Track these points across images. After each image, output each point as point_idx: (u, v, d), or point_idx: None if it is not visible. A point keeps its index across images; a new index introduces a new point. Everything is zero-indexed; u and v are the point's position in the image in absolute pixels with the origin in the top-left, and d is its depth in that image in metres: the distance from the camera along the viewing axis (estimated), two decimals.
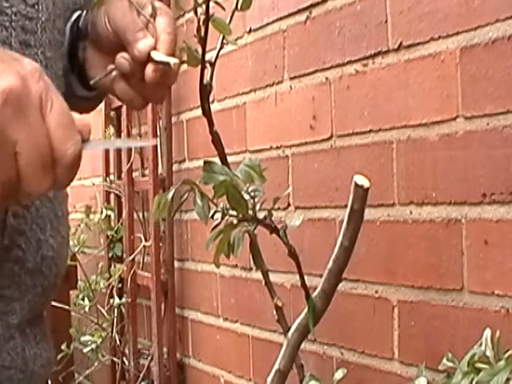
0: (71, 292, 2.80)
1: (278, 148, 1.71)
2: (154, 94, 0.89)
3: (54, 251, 0.87)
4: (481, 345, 0.98)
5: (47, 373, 0.90)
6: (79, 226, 2.75)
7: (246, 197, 1.19)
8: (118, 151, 2.60)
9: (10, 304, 0.82)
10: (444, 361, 1.03)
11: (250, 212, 1.19)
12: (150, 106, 2.24)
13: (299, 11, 1.62)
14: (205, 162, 1.15)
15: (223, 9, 1.23)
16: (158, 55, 0.84)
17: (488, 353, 0.96)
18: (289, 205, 1.67)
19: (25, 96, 0.64)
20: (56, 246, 0.87)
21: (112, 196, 2.74)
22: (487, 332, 0.98)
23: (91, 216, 2.77)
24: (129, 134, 2.47)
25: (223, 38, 1.27)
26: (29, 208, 0.83)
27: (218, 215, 1.18)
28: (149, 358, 2.38)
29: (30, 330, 0.86)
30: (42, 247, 0.85)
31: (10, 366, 0.82)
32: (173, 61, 0.84)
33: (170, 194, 1.14)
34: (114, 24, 0.88)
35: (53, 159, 0.66)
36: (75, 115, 0.68)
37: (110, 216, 2.70)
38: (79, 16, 0.95)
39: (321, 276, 1.21)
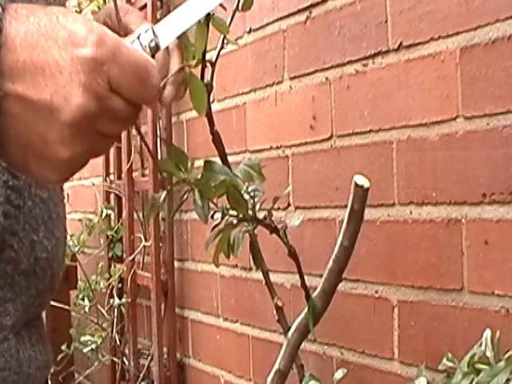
0: (71, 292, 2.80)
1: (278, 148, 1.71)
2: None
3: (48, 253, 0.86)
4: (481, 345, 0.98)
5: (44, 376, 0.89)
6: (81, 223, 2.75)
7: (246, 197, 1.19)
8: (118, 152, 2.60)
9: (2, 305, 0.81)
10: (444, 361, 1.03)
11: (250, 212, 1.19)
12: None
13: (299, 11, 1.62)
14: (205, 162, 1.15)
15: (224, 9, 1.23)
16: None
17: (488, 353, 0.96)
18: (289, 205, 1.67)
19: (93, 103, 0.63)
20: (50, 247, 0.86)
21: (112, 196, 2.74)
22: (487, 332, 0.99)
23: (91, 216, 2.77)
24: (129, 134, 2.47)
25: (224, 37, 1.27)
26: (21, 208, 0.82)
27: (218, 215, 1.18)
28: (149, 358, 2.38)
29: (25, 333, 0.86)
30: (36, 248, 0.84)
31: (4, 367, 0.81)
32: None
33: (163, 196, 1.14)
34: None
35: (136, 107, 0.66)
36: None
37: (110, 216, 2.70)
38: None
39: (321, 276, 1.21)
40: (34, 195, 0.84)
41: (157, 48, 0.68)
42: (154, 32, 0.68)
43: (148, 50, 0.68)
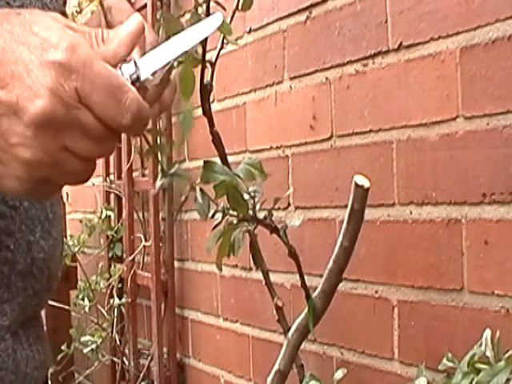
0: (71, 292, 2.80)
1: (278, 148, 1.71)
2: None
3: (45, 253, 0.86)
4: (481, 345, 0.98)
5: (42, 375, 0.89)
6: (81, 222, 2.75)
7: (246, 197, 1.18)
8: (118, 151, 2.60)
9: None
10: (444, 361, 1.03)
11: (250, 212, 1.19)
12: None
13: (299, 11, 1.62)
14: (205, 162, 1.15)
15: (224, 9, 1.23)
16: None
17: (488, 353, 0.96)
18: (289, 205, 1.67)
19: (59, 108, 0.62)
20: (47, 247, 0.86)
21: (112, 196, 2.74)
22: (487, 332, 0.98)
23: (91, 216, 2.77)
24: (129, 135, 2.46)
25: (224, 37, 1.27)
26: (17, 209, 0.82)
27: (219, 215, 1.18)
28: (149, 358, 2.38)
29: (22, 332, 0.85)
30: (33, 249, 0.84)
31: (1, 367, 0.81)
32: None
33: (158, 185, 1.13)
34: None
35: (110, 130, 0.64)
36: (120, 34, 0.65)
37: (110, 216, 2.70)
38: None
39: (321, 276, 1.21)
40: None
41: (137, 79, 0.67)
42: (136, 64, 0.67)
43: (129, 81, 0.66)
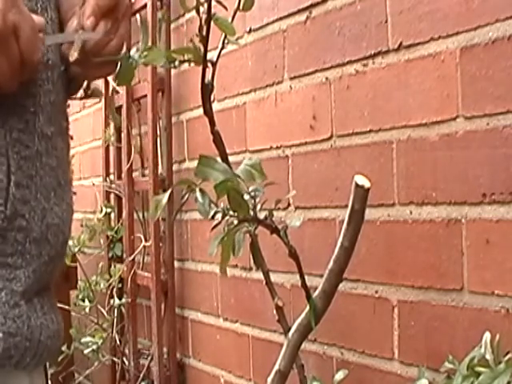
0: (71, 292, 2.80)
1: (278, 148, 1.71)
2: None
3: (59, 218, 0.90)
4: (480, 347, 0.97)
5: (55, 345, 0.91)
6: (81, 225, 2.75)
7: (247, 197, 1.18)
8: (118, 152, 2.60)
9: (13, 272, 0.84)
10: (445, 363, 1.02)
11: (251, 212, 1.19)
12: (150, 106, 2.23)
13: (299, 11, 1.62)
14: (201, 157, 1.15)
15: (225, 8, 1.23)
16: None
17: (488, 356, 0.95)
18: (289, 205, 1.67)
19: (4, 30, 0.78)
20: (61, 213, 0.91)
21: (112, 196, 2.74)
22: (487, 335, 0.98)
23: (91, 216, 2.77)
24: (129, 134, 2.47)
25: (225, 37, 1.27)
26: (32, 178, 0.85)
27: (219, 215, 1.18)
28: (149, 358, 2.38)
29: (37, 300, 0.88)
30: (47, 215, 0.88)
31: (16, 333, 0.83)
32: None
33: (166, 196, 1.14)
34: None
35: (22, 64, 0.82)
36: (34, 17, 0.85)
37: (110, 216, 2.70)
38: None
39: (321, 276, 1.21)
40: (45, 164, 0.88)
41: None
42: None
43: None
